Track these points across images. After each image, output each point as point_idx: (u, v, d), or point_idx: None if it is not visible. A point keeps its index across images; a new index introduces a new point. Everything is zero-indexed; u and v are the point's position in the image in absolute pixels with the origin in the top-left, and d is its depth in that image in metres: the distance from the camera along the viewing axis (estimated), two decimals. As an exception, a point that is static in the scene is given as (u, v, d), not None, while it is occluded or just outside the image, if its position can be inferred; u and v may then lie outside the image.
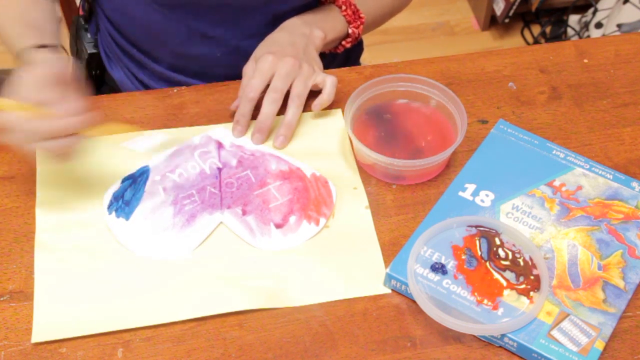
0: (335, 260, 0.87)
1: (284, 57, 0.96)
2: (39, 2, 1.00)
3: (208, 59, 1.09)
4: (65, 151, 0.86)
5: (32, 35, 0.93)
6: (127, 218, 0.89)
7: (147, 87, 1.15)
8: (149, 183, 0.92)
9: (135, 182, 0.92)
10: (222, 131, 0.98)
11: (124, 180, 0.92)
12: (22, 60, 0.91)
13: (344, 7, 1.06)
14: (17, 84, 0.84)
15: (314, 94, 0.99)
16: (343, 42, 1.09)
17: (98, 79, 1.20)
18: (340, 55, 1.19)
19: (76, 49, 1.21)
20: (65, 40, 1.66)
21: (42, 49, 0.91)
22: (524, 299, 0.81)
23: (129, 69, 1.15)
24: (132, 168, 0.94)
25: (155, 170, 0.93)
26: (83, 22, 1.19)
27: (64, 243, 0.87)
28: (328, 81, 0.98)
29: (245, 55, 1.03)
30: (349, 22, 1.07)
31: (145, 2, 1.03)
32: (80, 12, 1.23)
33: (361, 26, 1.08)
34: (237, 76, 1.04)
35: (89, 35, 1.18)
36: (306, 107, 0.99)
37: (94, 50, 1.17)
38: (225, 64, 1.09)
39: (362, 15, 1.08)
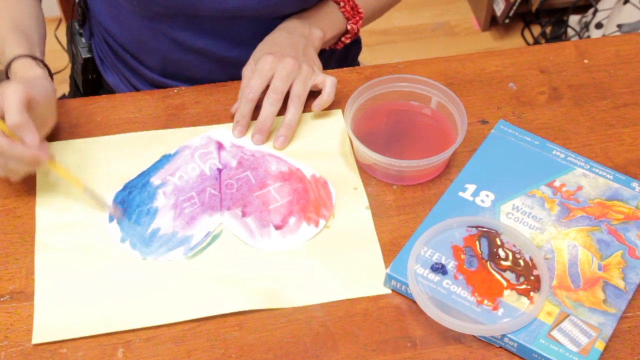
0: (336, 260, 0.87)
1: (283, 57, 0.96)
2: (28, 6, 1.01)
3: (197, 68, 1.08)
4: (13, 176, 0.88)
5: (22, 44, 0.95)
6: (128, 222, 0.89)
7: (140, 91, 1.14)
8: (150, 190, 0.92)
9: (137, 189, 0.92)
10: (222, 131, 0.98)
11: (125, 187, 0.92)
12: (6, 65, 0.93)
13: (342, 4, 1.06)
14: None
15: (313, 94, 0.99)
16: (342, 39, 1.09)
17: (95, 83, 1.20)
18: (339, 54, 1.18)
19: (72, 53, 1.20)
20: (63, 40, 1.66)
21: (28, 59, 0.93)
22: (524, 299, 0.81)
23: (122, 74, 1.15)
24: (132, 171, 0.94)
25: (156, 174, 0.93)
26: (78, 27, 1.19)
27: (64, 243, 0.87)
28: (328, 81, 0.98)
29: (234, 65, 1.03)
30: (347, 19, 1.07)
31: (130, 12, 1.03)
32: (75, 16, 1.23)
33: (360, 21, 1.08)
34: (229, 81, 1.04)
35: (83, 40, 1.18)
36: (306, 108, 0.99)
37: (88, 55, 1.17)
38: (216, 70, 1.08)
39: (360, 10, 1.07)
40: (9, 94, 0.83)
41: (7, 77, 0.95)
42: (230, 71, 1.05)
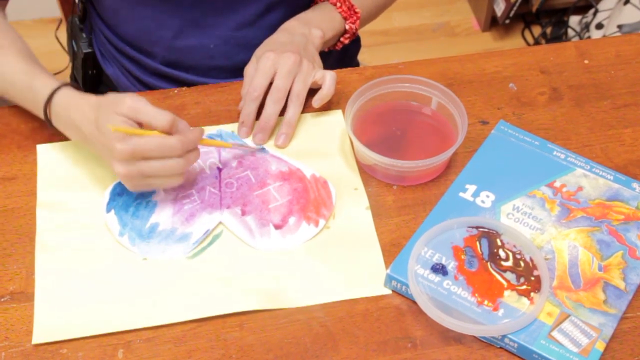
0: (336, 260, 0.87)
1: (284, 52, 0.96)
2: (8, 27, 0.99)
3: (202, 51, 1.10)
4: (182, 170, 0.86)
5: (48, 77, 0.92)
6: (124, 216, 0.89)
7: (142, 82, 1.15)
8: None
9: None
10: (222, 132, 0.98)
11: None
12: (47, 103, 0.89)
13: (338, 4, 1.07)
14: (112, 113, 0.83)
15: (314, 91, 0.99)
16: (341, 39, 1.10)
17: (95, 79, 1.21)
18: (337, 52, 1.19)
19: (73, 49, 1.21)
20: (64, 41, 1.67)
21: (69, 87, 0.90)
22: (524, 299, 0.81)
23: (123, 66, 1.16)
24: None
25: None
26: (78, 22, 1.20)
27: (65, 244, 0.87)
28: (327, 76, 0.98)
29: (238, 46, 1.04)
30: (345, 19, 1.08)
31: (135, 2, 1.04)
32: (76, 12, 1.23)
33: (357, 21, 1.09)
34: (231, 68, 1.05)
35: (84, 35, 1.19)
36: (307, 108, 0.99)
37: (89, 50, 1.18)
38: (219, 55, 1.10)
39: (357, 10, 1.08)
40: (136, 103, 0.83)
41: (46, 114, 0.90)
42: (231, 53, 1.06)
